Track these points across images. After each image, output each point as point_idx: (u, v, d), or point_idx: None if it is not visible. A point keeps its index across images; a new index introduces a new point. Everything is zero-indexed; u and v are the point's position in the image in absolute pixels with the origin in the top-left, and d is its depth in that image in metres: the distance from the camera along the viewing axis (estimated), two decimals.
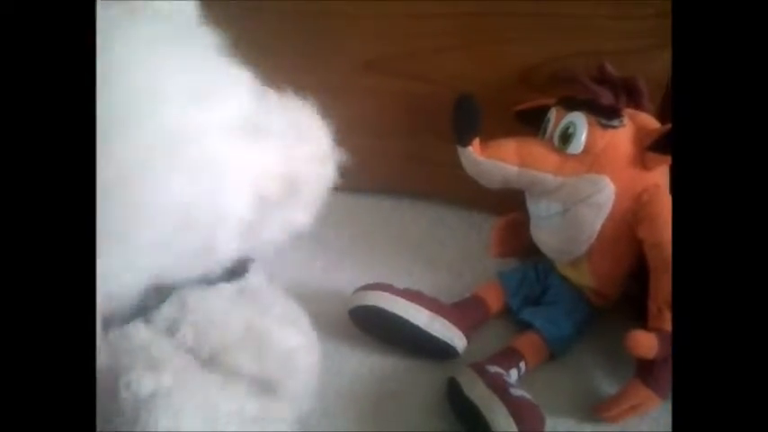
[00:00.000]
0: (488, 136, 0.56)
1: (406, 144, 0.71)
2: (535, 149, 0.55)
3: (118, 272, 0.36)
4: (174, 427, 0.37)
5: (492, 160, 0.55)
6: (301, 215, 0.48)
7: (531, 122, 0.60)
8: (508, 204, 0.65)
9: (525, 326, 0.58)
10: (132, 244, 0.36)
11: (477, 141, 0.55)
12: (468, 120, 0.55)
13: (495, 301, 0.61)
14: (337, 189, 0.51)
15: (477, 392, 0.50)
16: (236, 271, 0.48)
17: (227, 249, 0.43)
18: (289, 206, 0.46)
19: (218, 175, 0.39)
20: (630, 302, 0.57)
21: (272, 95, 0.45)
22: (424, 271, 0.67)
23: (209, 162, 0.38)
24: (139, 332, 0.41)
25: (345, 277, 0.63)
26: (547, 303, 0.60)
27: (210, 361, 0.41)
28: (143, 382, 0.37)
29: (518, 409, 0.47)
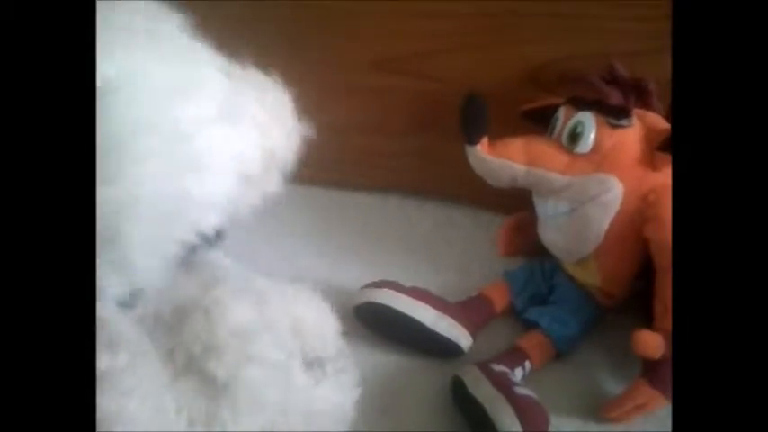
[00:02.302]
0: (496, 135, 0.56)
1: (414, 143, 0.71)
2: (543, 148, 0.55)
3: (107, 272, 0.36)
4: (116, 408, 0.35)
5: (500, 159, 0.55)
6: (275, 186, 0.49)
7: (538, 122, 0.60)
8: (515, 204, 0.65)
9: (531, 325, 0.58)
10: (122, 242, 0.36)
11: (485, 140, 0.55)
12: (475, 118, 0.55)
13: (500, 300, 0.61)
14: (344, 186, 0.51)
15: (483, 391, 0.49)
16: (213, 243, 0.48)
17: (210, 228, 0.43)
18: (264, 179, 0.48)
19: (204, 165, 0.39)
20: (637, 302, 0.57)
21: (238, 73, 0.45)
22: (430, 270, 0.66)
23: (193, 153, 0.38)
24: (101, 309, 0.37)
25: (351, 274, 0.62)
26: (553, 303, 0.60)
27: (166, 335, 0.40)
28: (99, 358, 0.34)
29: (523, 408, 0.47)
